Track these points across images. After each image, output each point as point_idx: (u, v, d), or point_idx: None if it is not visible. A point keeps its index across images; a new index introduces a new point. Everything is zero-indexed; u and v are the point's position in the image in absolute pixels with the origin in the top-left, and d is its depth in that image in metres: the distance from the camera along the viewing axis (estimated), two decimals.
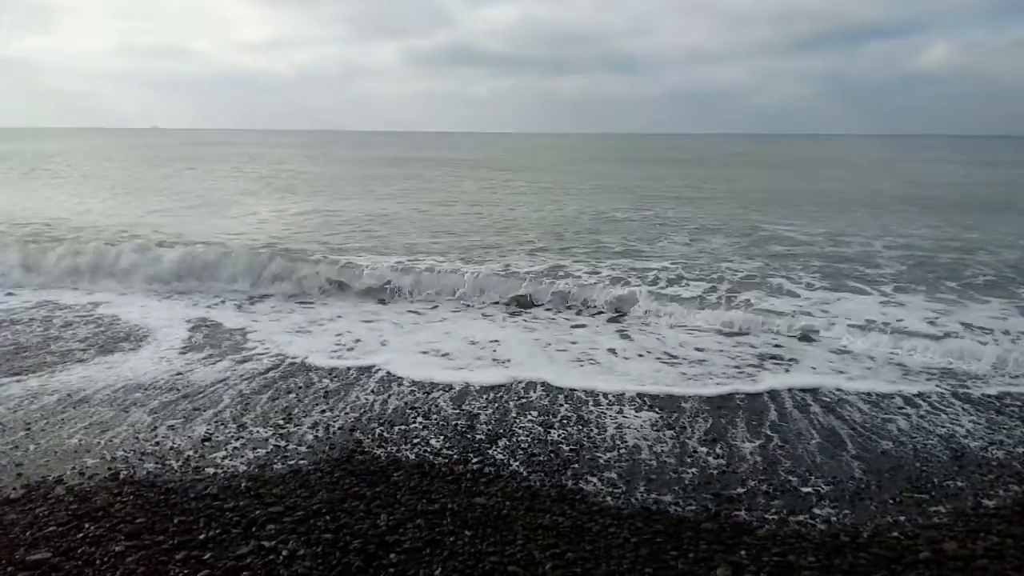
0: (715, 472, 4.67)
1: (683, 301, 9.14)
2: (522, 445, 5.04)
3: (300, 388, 6.19)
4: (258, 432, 5.23)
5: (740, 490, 4.41)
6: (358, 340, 7.74)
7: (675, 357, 7.22)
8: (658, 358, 7.20)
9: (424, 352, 7.32)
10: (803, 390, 6.20)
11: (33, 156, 45.45)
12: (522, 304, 9.32)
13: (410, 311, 9.15)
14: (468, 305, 9.44)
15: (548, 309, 9.18)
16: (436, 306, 9.40)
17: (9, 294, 9.69)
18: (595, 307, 9.16)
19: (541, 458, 4.82)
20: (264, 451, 4.92)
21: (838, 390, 6.21)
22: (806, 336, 7.86)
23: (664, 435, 5.24)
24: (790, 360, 7.11)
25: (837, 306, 9.18)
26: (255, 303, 9.50)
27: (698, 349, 7.50)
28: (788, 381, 6.44)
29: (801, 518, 4.07)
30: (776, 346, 7.59)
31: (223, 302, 9.50)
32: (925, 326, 8.21)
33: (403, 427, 5.35)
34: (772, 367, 6.90)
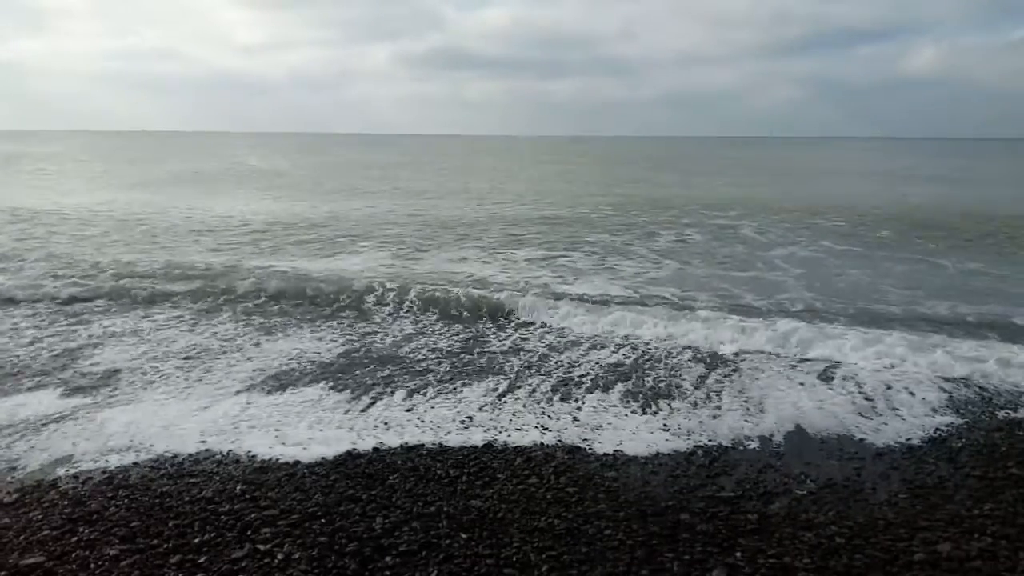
0: (711, 474, 4.68)
1: None
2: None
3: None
4: (254, 435, 5.21)
5: (736, 492, 4.42)
6: None
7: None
8: None
9: None
10: None
11: None
12: None
13: None
14: None
15: None
16: None
17: None
18: None
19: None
20: (259, 454, 4.90)
21: None
22: None
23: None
24: None
25: None
26: None
27: None
28: None
29: (796, 520, 4.08)
30: None
31: None
32: None
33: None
34: None
